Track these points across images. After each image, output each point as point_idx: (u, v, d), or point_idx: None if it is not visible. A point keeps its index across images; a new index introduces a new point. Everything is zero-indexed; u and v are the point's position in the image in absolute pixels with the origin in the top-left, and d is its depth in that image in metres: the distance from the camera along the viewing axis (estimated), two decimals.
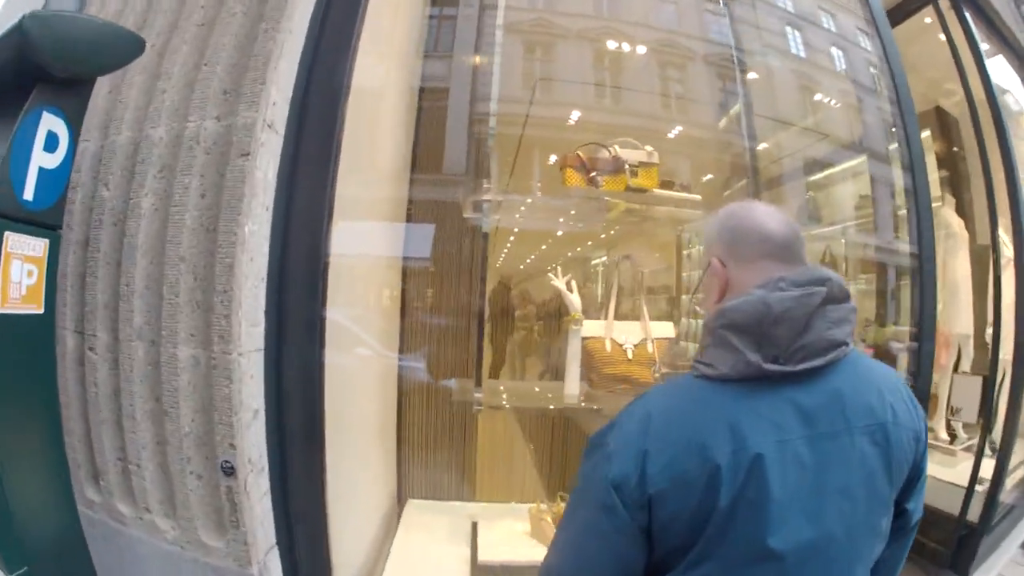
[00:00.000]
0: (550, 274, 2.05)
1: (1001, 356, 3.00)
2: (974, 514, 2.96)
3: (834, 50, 2.90)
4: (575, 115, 2.05)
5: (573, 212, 2.15)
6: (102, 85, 1.48)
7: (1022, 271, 2.88)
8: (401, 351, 2.22)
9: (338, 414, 1.44)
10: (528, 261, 2.60)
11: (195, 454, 1.29)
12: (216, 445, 1.25)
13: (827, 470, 0.73)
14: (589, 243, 2.53)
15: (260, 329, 1.27)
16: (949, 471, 3.05)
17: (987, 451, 3.20)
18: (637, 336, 2.07)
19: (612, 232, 2.29)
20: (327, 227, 1.33)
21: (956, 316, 3.07)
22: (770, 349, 0.74)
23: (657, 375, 2.06)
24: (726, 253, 0.85)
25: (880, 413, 0.77)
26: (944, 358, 2.95)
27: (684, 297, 2.71)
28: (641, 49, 2.48)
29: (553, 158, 2.11)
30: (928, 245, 2.03)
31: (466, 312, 2.22)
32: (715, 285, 0.85)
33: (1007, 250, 2.89)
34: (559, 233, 2.44)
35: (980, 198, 2.98)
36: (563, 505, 2.09)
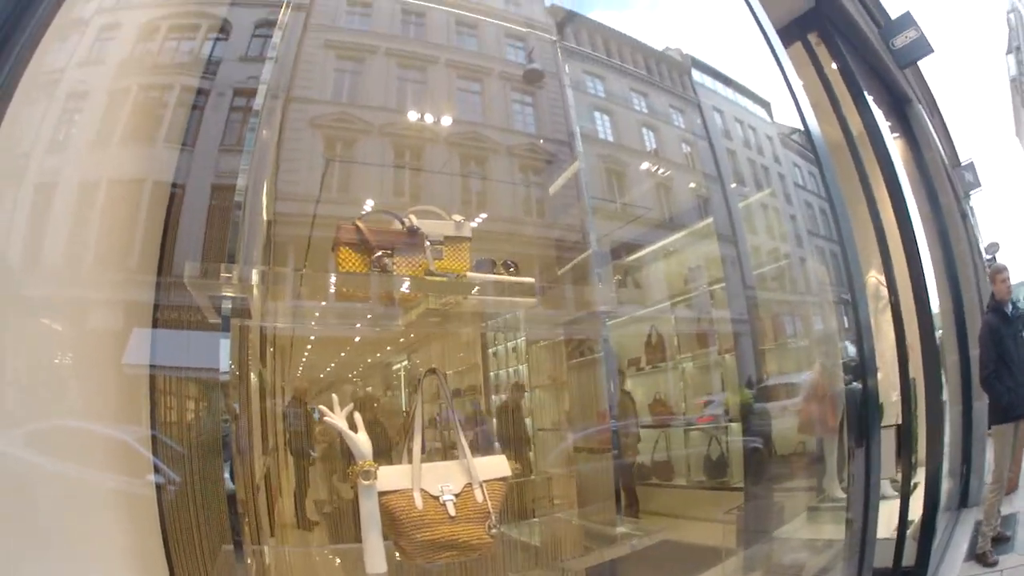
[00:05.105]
0: (321, 407, 1.37)
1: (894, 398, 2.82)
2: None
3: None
4: (368, 204, 1.54)
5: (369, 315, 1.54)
6: None
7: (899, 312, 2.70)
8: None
9: None
10: (328, 370, 1.92)
11: None
12: None
13: None
14: (388, 348, 1.90)
15: None
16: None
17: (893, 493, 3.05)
18: (458, 481, 1.45)
19: (412, 336, 1.70)
20: None
21: (836, 370, 2.82)
22: None
23: (494, 531, 1.45)
24: None
25: None
26: (831, 418, 2.65)
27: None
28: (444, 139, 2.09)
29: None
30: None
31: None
32: None
33: (883, 291, 2.70)
34: (356, 339, 1.80)
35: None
36: None
